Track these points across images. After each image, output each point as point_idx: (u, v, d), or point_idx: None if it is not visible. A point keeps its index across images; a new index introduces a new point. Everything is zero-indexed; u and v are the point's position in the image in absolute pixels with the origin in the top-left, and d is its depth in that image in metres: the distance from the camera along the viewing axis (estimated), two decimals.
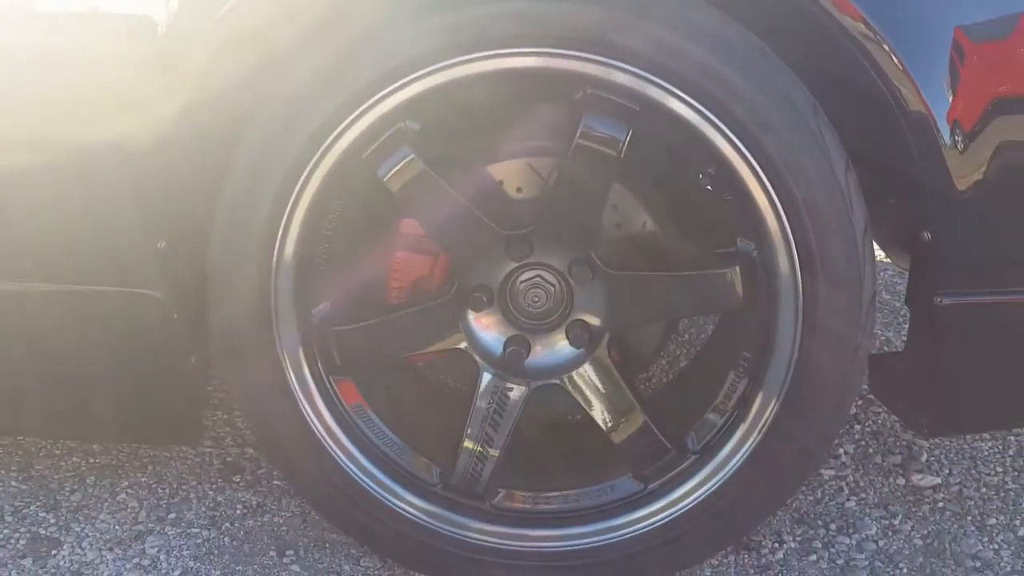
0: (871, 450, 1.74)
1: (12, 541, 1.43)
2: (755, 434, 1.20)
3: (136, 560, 1.40)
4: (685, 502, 1.23)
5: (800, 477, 1.24)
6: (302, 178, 1.17)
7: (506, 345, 1.29)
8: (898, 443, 1.77)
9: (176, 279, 1.24)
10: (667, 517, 1.23)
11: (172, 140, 1.17)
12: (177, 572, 1.37)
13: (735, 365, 1.23)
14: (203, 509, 1.52)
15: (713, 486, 1.21)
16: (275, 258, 1.20)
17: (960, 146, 1.10)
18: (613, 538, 1.25)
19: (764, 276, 1.16)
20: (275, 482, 1.59)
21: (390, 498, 1.29)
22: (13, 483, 1.57)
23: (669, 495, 1.24)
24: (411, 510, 1.29)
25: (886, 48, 1.08)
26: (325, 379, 1.27)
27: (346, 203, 1.23)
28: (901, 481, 1.66)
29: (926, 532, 1.52)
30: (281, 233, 1.19)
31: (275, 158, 1.16)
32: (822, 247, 1.11)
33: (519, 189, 1.28)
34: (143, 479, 1.59)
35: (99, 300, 1.25)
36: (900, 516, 1.56)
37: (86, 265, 1.24)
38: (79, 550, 1.41)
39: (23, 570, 1.37)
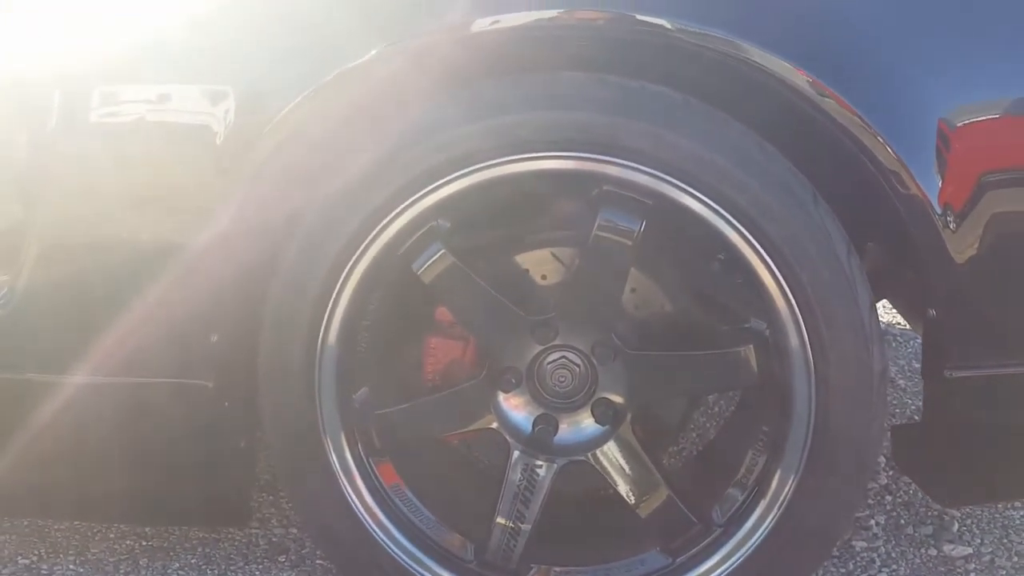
0: (902, 521, 1.76)
1: None
2: (775, 509, 1.25)
3: None
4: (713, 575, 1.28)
5: (823, 550, 1.28)
6: (343, 274, 1.27)
7: (535, 424, 1.36)
8: (930, 513, 1.78)
9: (227, 369, 1.34)
10: None
11: (226, 239, 1.28)
12: None
13: (754, 441, 1.29)
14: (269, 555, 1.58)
15: (739, 559, 1.26)
16: (319, 349, 1.29)
17: (953, 225, 1.17)
18: None
19: (777, 354, 1.23)
20: (319, 562, 1.65)
21: (427, 575, 1.35)
22: (71, 566, 1.65)
23: (697, 568, 1.29)
24: None
25: (880, 140, 1.16)
26: (365, 461, 1.34)
27: (383, 295, 1.33)
28: (933, 552, 1.67)
29: None
30: (324, 325, 1.29)
31: (319, 256, 1.27)
32: (829, 326, 1.18)
33: (544, 276, 1.37)
34: (192, 560, 1.66)
35: (154, 391, 1.34)
36: None
37: (142, 358, 1.34)
38: None
39: None
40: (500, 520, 1.34)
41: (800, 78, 1.18)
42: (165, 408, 1.36)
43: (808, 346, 1.19)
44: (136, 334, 1.33)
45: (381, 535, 1.34)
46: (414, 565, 1.34)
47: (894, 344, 2.60)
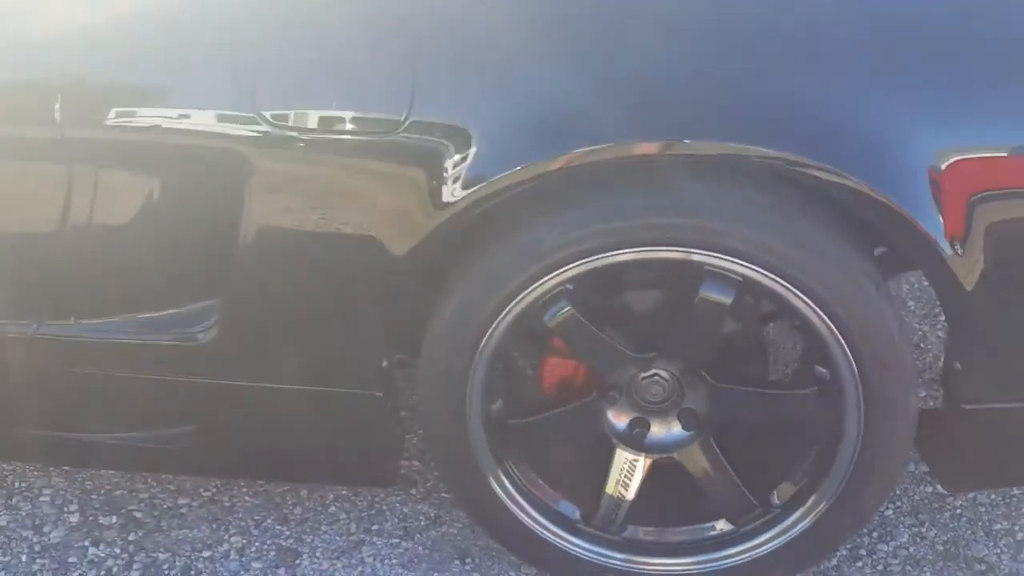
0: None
1: (263, 552, 1.94)
2: (823, 503, 1.65)
3: (360, 568, 1.90)
4: (767, 546, 1.70)
5: (854, 530, 1.71)
6: (494, 324, 1.59)
7: (631, 425, 1.73)
8: None
9: (394, 384, 1.71)
10: (752, 555, 1.71)
11: (402, 281, 1.57)
12: None
13: (810, 453, 1.67)
14: (396, 520, 2.01)
15: (789, 536, 1.68)
16: (471, 375, 1.64)
17: (975, 297, 1.48)
18: (710, 567, 1.73)
19: (835, 398, 1.58)
20: (443, 495, 2.07)
21: (547, 534, 1.77)
22: (247, 498, 2.07)
23: (756, 538, 1.71)
24: (562, 542, 1.77)
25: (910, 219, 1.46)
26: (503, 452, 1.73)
27: (521, 332, 1.65)
28: (929, 489, 2.10)
29: (946, 539, 1.97)
30: (478, 356, 1.62)
31: (477, 310, 1.58)
32: (882, 386, 1.53)
33: (652, 321, 1.68)
34: (343, 492, 2.08)
35: (339, 398, 1.70)
36: (927, 523, 2.01)
37: (332, 372, 1.68)
38: (315, 559, 1.92)
39: None
40: (608, 492, 1.74)
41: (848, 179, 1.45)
42: (346, 410, 1.73)
43: (861, 395, 1.54)
44: (327, 353, 1.67)
45: (513, 507, 1.75)
46: (540, 528, 1.76)
47: None
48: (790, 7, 1.52)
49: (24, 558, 1.90)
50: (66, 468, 2.12)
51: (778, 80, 1.45)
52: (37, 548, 1.93)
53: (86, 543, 1.94)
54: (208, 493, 2.08)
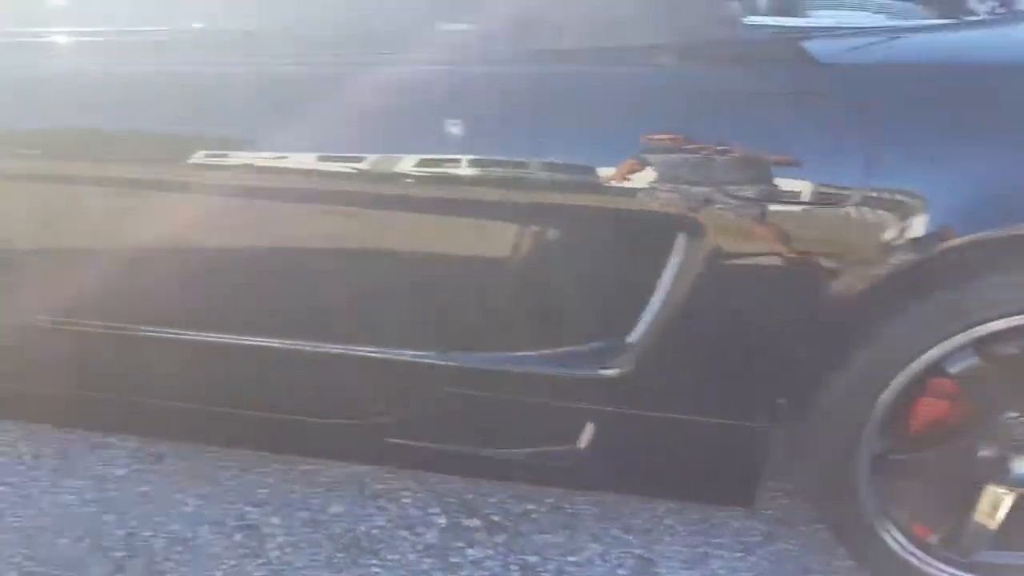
0: None
1: (622, 559, 2.13)
2: None
3: None
4: None
5: None
6: (904, 371, 1.77)
7: (998, 462, 1.89)
8: None
9: (773, 418, 1.88)
10: None
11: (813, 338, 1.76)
12: None
13: None
14: (732, 535, 2.20)
15: None
16: (871, 415, 1.82)
17: None
18: None
19: None
20: (766, 511, 2.25)
21: (908, 556, 1.95)
22: (585, 506, 2.27)
23: None
24: (921, 563, 1.95)
25: None
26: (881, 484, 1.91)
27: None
28: None
29: None
30: (881, 400, 1.80)
31: (894, 358, 1.76)
32: None
33: None
34: (672, 506, 2.27)
35: (736, 429, 1.90)
36: None
37: (735, 407, 1.88)
38: (672, 568, 2.11)
39: None
40: (976, 520, 1.91)
41: None
42: (719, 438, 1.92)
43: None
44: (734, 391, 1.87)
45: (882, 531, 1.94)
46: (902, 551, 1.94)
47: None
48: None
49: (412, 557, 2.13)
50: (418, 472, 2.34)
51: None
52: (419, 547, 2.15)
53: (461, 544, 2.16)
54: (550, 500, 2.29)
